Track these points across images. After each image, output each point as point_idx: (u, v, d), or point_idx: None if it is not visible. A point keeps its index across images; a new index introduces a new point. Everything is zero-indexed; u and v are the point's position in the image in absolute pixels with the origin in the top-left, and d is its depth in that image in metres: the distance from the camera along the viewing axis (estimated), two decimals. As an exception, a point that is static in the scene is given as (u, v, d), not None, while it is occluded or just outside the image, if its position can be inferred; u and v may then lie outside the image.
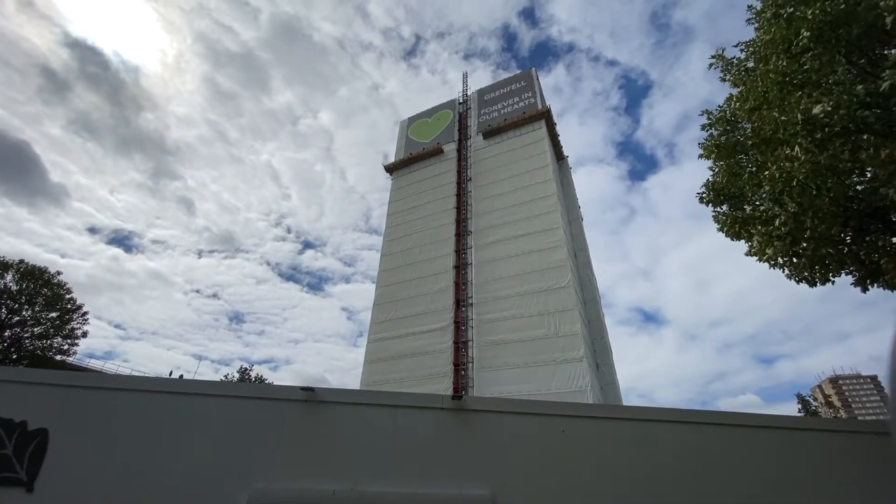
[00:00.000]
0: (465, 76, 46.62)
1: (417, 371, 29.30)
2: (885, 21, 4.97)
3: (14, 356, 28.58)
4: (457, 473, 3.57)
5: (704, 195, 7.93)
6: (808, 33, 5.56)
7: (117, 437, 3.74)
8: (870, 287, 6.65)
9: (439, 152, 41.57)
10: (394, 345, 31.42)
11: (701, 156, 7.97)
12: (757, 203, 7.20)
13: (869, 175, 5.96)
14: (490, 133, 39.25)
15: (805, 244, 6.38)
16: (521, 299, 28.63)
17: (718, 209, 7.87)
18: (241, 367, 40.00)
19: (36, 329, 30.04)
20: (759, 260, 7.23)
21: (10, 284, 29.18)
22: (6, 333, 28.49)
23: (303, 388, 3.90)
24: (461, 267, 32.60)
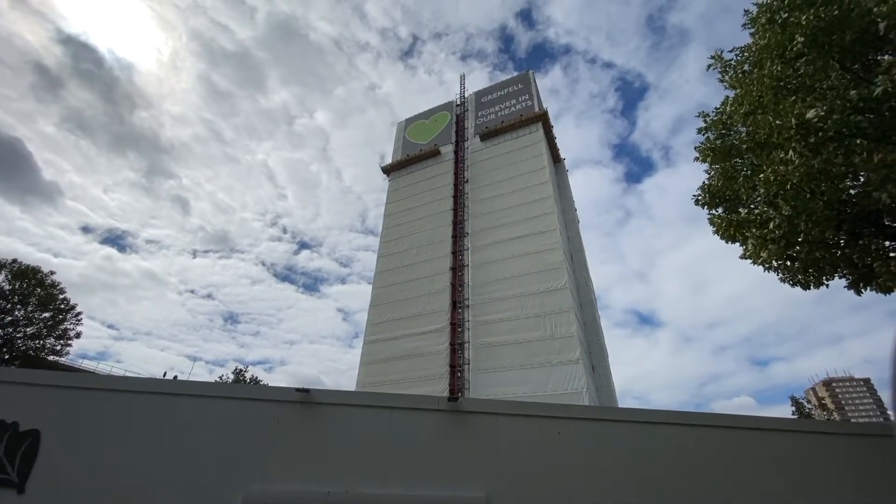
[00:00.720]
0: (462, 78, 46.72)
1: (413, 373, 29.23)
2: (878, 27, 5.02)
3: (6, 356, 28.29)
4: (452, 475, 3.56)
5: (700, 198, 7.97)
6: (803, 39, 5.62)
7: (110, 439, 3.70)
8: (863, 290, 6.70)
9: (436, 154, 41.60)
10: (390, 346, 31.36)
11: (697, 159, 8.02)
12: (752, 206, 7.25)
13: (862, 179, 6.01)
14: (487, 135, 39.33)
15: (799, 247, 6.42)
16: (518, 301, 28.66)
17: (714, 212, 7.91)
18: (235, 369, 39.79)
19: (28, 329, 29.77)
20: (754, 263, 7.27)
21: (3, 284, 28.91)
22: (-2, 333, 28.21)
23: (298, 390, 3.88)
24: (458, 268, 32.60)
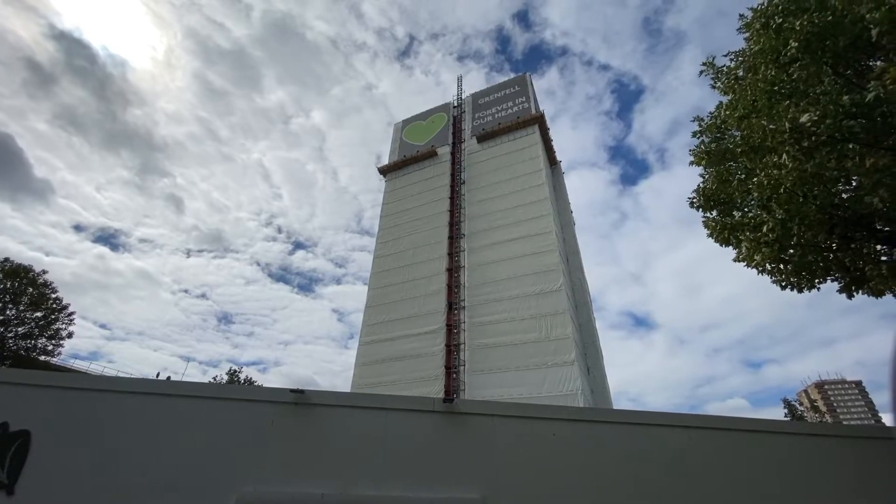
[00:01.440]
0: (459, 80, 46.81)
1: (409, 374, 29.18)
2: (871, 33, 5.08)
3: (-3, 356, 27.98)
4: (447, 476, 3.56)
5: (695, 200, 8.03)
6: (797, 44, 5.67)
7: (102, 440, 3.67)
8: (855, 293, 6.77)
9: (433, 155, 41.62)
10: (386, 347, 31.29)
11: (692, 162, 8.08)
12: (746, 210, 7.31)
13: (854, 183, 6.08)
14: (484, 137, 39.40)
15: (792, 251, 6.48)
16: (514, 303, 28.69)
17: (708, 215, 7.97)
18: (230, 369, 39.54)
19: (20, 329, 29.45)
20: (748, 266, 7.32)
21: (-5, 283, 28.59)
22: (-11, 333, 27.90)
23: (292, 391, 3.86)
24: (454, 270, 32.60)
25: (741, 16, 7.06)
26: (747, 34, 6.94)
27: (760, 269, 7.22)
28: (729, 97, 7.26)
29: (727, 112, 7.04)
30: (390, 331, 32.00)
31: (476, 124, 41.37)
